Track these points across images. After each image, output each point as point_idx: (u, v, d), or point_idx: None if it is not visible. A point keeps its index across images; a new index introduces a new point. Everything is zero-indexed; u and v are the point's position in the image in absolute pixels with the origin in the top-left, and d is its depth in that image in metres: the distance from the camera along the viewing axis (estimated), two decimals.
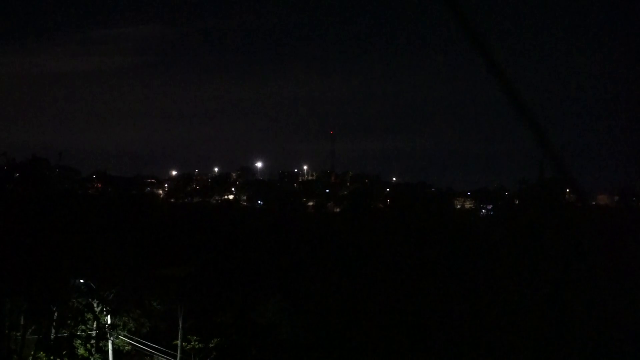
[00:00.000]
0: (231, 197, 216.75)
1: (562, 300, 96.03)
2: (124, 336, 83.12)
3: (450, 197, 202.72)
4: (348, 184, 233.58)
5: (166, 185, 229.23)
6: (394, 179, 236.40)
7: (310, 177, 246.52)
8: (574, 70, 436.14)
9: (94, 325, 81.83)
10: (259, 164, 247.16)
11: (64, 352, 78.89)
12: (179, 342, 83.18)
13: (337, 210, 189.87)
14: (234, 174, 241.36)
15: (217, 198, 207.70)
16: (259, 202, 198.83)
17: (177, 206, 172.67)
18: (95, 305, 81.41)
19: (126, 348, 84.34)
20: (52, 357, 77.27)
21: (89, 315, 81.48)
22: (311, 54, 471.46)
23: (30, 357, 77.54)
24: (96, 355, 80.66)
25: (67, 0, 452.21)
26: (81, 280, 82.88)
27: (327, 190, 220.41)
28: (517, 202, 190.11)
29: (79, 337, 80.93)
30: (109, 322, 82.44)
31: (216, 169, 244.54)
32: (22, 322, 79.06)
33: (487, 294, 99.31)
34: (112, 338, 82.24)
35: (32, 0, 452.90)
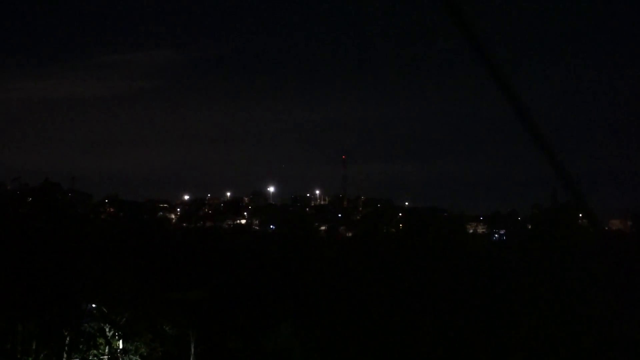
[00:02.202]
0: (243, 221, 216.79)
1: (575, 325, 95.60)
2: None
3: (463, 222, 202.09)
4: (360, 208, 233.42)
5: (178, 209, 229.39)
6: (407, 203, 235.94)
7: (322, 202, 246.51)
8: (587, 94, 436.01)
9: (106, 350, 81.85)
10: (271, 189, 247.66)
11: None
12: None
13: (350, 234, 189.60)
14: (246, 199, 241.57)
15: (229, 222, 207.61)
16: (271, 226, 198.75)
17: (189, 230, 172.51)
18: (107, 329, 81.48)
19: None
20: None
21: (101, 340, 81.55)
22: (324, 78, 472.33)
23: None
24: None
25: (79, 26, 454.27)
26: (93, 305, 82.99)
27: (340, 215, 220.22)
28: (529, 227, 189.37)
29: None
30: (121, 346, 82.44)
31: (228, 194, 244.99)
32: (34, 347, 79.14)
33: (501, 320, 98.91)
34: None
35: (43, 26, 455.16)
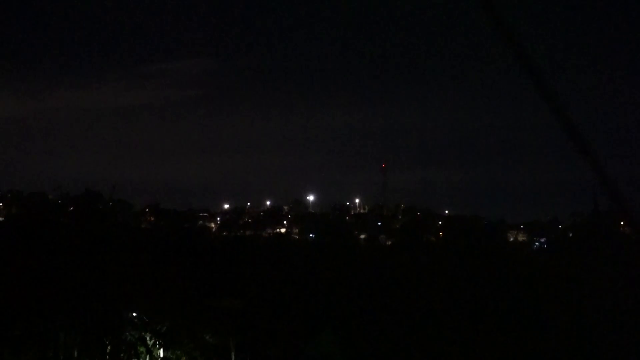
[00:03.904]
0: (283, 230, 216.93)
1: (618, 333, 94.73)
2: None
3: (503, 230, 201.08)
4: (400, 216, 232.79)
5: (218, 218, 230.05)
6: (446, 211, 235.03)
7: (362, 210, 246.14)
8: (631, 99, 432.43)
9: (147, 359, 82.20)
10: (310, 197, 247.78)
11: None
12: None
13: (389, 243, 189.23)
14: (285, 207, 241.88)
15: (269, 231, 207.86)
16: (311, 235, 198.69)
17: (229, 239, 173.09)
18: (147, 338, 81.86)
19: None
20: None
21: (142, 349, 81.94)
22: (364, 85, 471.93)
23: None
24: None
25: (118, 36, 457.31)
26: (134, 313, 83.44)
27: (379, 223, 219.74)
28: (570, 234, 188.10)
29: None
30: (161, 355, 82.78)
31: (268, 202, 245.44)
32: (75, 355, 79.72)
33: (543, 327, 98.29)
34: None
35: (83, 36, 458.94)
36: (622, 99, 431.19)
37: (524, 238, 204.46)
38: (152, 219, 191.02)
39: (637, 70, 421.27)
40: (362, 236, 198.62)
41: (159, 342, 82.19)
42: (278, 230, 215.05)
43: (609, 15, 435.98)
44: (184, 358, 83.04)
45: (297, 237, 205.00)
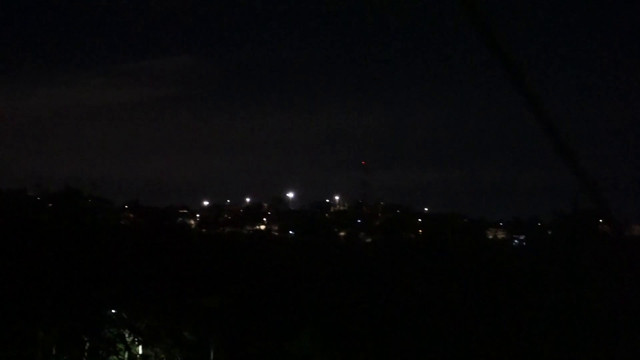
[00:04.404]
0: (263, 227, 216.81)
1: (594, 331, 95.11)
2: None
3: (483, 228, 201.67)
4: (380, 214, 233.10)
5: (198, 215, 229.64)
6: (426, 209, 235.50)
7: (342, 208, 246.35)
8: (610, 99, 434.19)
9: (126, 356, 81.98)
10: (290, 195, 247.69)
11: None
12: None
13: (369, 240, 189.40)
14: (265, 205, 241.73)
15: (248, 228, 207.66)
16: (290, 232, 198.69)
17: (208, 236, 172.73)
18: (126, 335, 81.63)
19: None
20: None
21: (121, 346, 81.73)
22: (344, 84, 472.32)
23: None
24: None
25: (99, 33, 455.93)
26: (113, 310, 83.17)
27: (359, 221, 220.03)
28: (550, 232, 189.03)
29: None
30: (140, 352, 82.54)
31: (248, 200, 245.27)
32: (53, 352, 79.37)
33: (520, 326, 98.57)
34: None
35: (64, 33, 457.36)
36: (605, 95, 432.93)
37: (504, 236, 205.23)
38: (131, 216, 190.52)
39: (621, 65, 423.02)
40: (342, 233, 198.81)
41: (137, 339, 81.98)
42: (257, 227, 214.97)
43: (588, 15, 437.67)
44: (163, 356, 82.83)
45: (276, 234, 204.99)
